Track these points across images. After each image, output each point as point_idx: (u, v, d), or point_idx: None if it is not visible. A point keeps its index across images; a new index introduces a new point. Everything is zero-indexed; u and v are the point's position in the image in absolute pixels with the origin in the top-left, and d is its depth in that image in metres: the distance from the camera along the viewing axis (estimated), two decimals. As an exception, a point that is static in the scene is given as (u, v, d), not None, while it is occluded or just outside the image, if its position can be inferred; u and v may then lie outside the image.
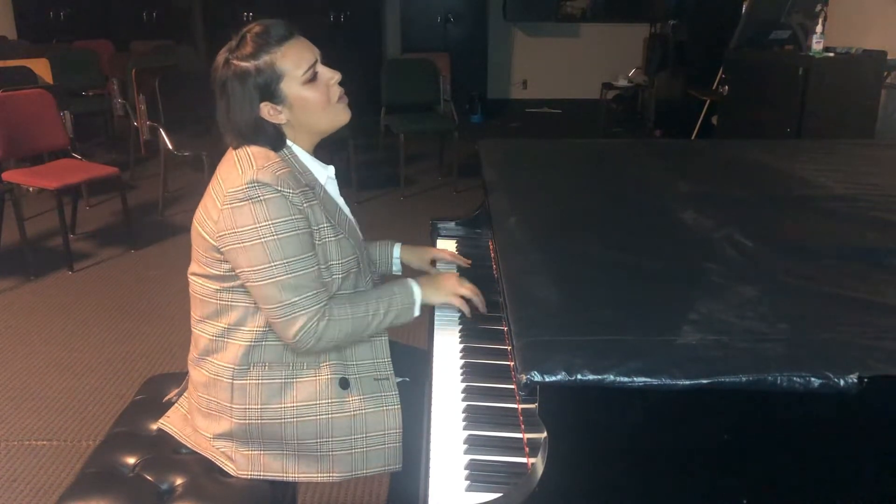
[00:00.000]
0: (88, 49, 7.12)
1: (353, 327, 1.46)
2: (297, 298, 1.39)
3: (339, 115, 1.50)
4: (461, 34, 8.82)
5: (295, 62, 1.43)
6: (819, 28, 4.55)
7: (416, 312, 1.54)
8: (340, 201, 1.58)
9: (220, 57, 1.44)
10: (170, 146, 5.02)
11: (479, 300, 1.59)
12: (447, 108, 6.27)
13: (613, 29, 8.99)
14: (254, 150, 1.44)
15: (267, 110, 1.43)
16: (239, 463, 1.51)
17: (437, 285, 1.58)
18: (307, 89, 1.44)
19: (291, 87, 1.43)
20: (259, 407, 1.48)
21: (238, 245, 1.39)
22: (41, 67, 5.89)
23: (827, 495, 1.04)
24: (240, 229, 1.38)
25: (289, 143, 1.49)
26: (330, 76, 1.48)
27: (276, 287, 1.39)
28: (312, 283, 1.41)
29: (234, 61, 1.41)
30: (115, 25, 8.33)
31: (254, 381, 1.48)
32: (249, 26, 1.44)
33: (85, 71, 6.76)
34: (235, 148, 1.46)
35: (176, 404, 1.65)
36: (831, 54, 4.58)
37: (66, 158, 4.49)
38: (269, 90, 1.42)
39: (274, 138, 1.45)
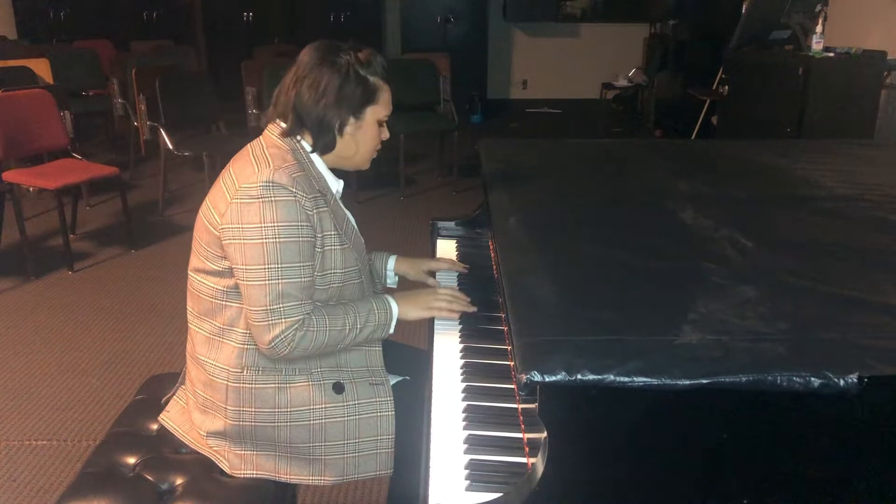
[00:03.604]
0: (88, 49, 7.11)
1: (329, 339, 1.46)
2: (279, 306, 1.39)
3: (365, 162, 1.60)
4: (461, 34, 8.82)
5: (386, 102, 1.53)
6: (819, 28, 4.54)
7: (391, 330, 1.55)
8: (348, 213, 1.59)
9: (332, 47, 1.47)
10: (170, 146, 5.02)
11: (458, 305, 1.59)
12: (447, 108, 6.26)
13: (613, 29, 8.99)
14: (271, 151, 1.45)
15: (348, 119, 1.48)
16: (232, 462, 1.51)
17: (412, 301, 1.58)
18: (374, 128, 1.53)
19: (370, 116, 1.51)
20: (253, 410, 1.48)
21: (238, 241, 1.39)
22: (41, 67, 5.89)
23: (827, 495, 1.04)
24: (244, 226, 1.38)
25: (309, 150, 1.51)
26: (387, 135, 1.58)
27: (263, 290, 1.39)
28: (299, 293, 1.41)
29: (355, 62, 1.46)
30: (115, 25, 8.33)
31: (247, 385, 1.48)
32: (363, 45, 1.50)
33: (85, 71, 6.75)
34: (271, 121, 1.50)
35: (175, 397, 1.65)
36: (831, 54, 4.57)
37: (66, 158, 4.49)
38: (362, 107, 1.49)
39: (326, 141, 1.49)
